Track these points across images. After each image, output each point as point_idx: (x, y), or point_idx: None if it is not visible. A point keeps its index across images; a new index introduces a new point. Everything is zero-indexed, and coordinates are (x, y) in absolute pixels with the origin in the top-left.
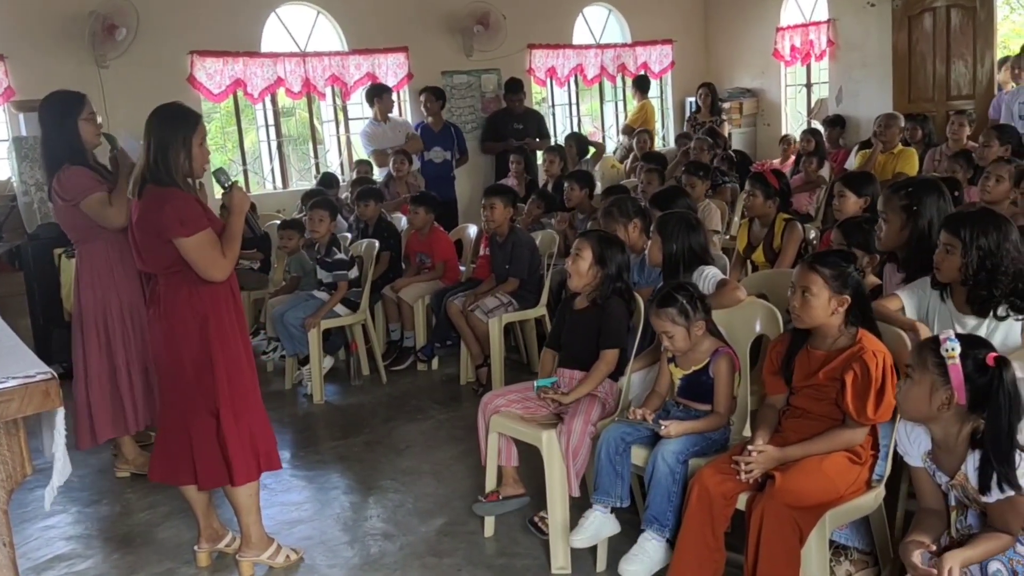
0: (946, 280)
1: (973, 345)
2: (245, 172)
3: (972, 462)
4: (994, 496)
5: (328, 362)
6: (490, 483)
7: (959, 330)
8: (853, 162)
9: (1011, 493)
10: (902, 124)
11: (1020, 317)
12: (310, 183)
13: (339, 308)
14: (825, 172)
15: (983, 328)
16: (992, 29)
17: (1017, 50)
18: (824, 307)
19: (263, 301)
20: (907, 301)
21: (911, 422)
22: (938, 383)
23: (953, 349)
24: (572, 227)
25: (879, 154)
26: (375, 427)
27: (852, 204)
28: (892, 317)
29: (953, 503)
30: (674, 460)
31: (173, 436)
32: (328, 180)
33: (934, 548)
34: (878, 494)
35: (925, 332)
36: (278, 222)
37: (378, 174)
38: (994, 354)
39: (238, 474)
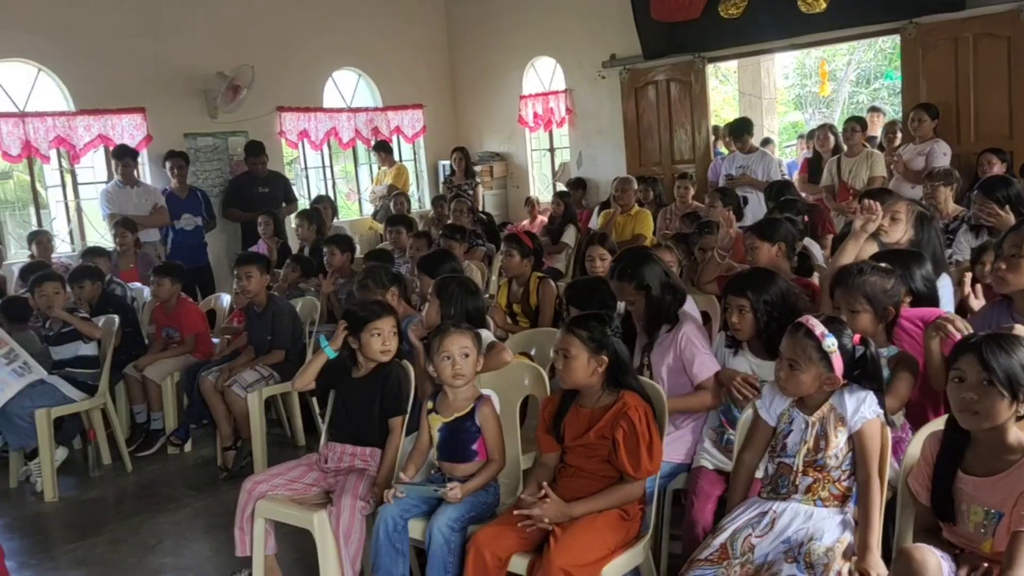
0: (745, 338)
1: (839, 331)
2: None
3: (844, 391)
4: (856, 415)
5: (61, 453)
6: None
7: (753, 370)
8: (596, 221)
9: (876, 413)
10: (636, 187)
11: None
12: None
13: (73, 393)
14: (572, 232)
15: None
16: (705, 100)
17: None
18: (584, 368)
19: None
20: None
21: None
22: (823, 371)
23: (833, 344)
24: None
25: (618, 215)
26: (120, 523)
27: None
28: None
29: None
30: (448, 530)
31: None
32: (95, 252)
33: None
34: (645, 545)
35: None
36: None
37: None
38: (858, 335)
39: None
